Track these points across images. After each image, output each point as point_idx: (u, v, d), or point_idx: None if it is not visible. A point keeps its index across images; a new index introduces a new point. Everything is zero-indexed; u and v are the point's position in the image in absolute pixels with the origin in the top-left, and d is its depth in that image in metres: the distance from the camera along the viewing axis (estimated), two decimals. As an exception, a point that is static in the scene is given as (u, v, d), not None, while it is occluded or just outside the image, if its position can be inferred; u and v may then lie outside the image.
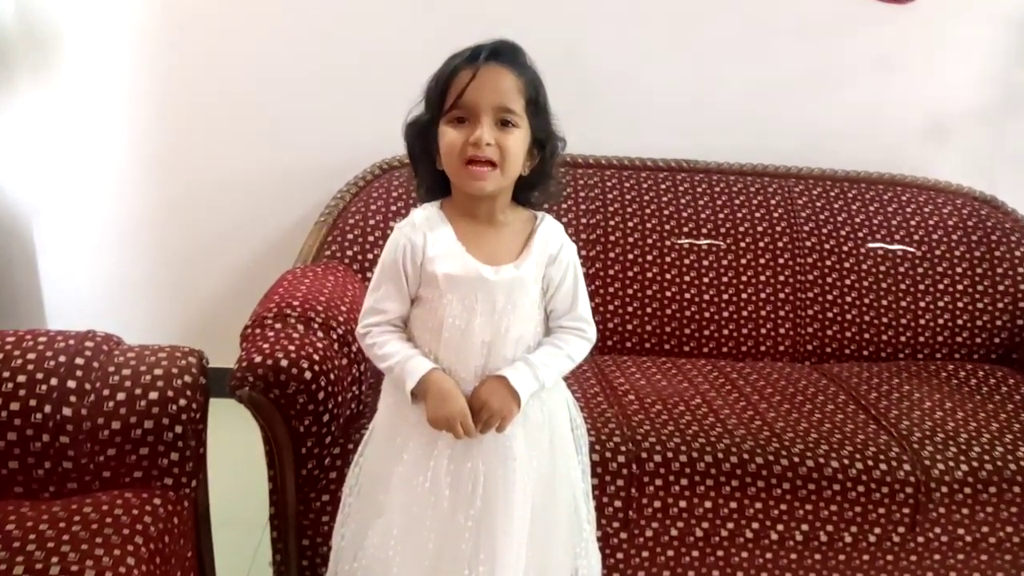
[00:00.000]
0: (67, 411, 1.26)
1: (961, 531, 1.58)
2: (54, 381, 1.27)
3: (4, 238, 2.10)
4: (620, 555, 1.55)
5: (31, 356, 1.29)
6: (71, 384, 1.28)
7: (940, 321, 2.11)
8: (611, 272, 2.05)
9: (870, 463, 1.57)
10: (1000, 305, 2.11)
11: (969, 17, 2.28)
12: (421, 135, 1.18)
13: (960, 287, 2.12)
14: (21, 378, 1.26)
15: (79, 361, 1.31)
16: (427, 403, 1.16)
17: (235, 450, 1.67)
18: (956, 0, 2.26)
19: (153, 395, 1.29)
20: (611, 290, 2.04)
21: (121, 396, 1.28)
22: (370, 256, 1.96)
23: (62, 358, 1.30)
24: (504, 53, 1.15)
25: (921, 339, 2.10)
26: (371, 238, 1.98)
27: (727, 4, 2.24)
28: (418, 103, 1.19)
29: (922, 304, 2.10)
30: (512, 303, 1.18)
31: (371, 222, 1.99)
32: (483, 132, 1.11)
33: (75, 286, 2.27)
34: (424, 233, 1.18)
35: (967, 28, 2.29)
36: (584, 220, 2.08)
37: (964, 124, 2.35)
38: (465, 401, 1.15)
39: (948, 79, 2.32)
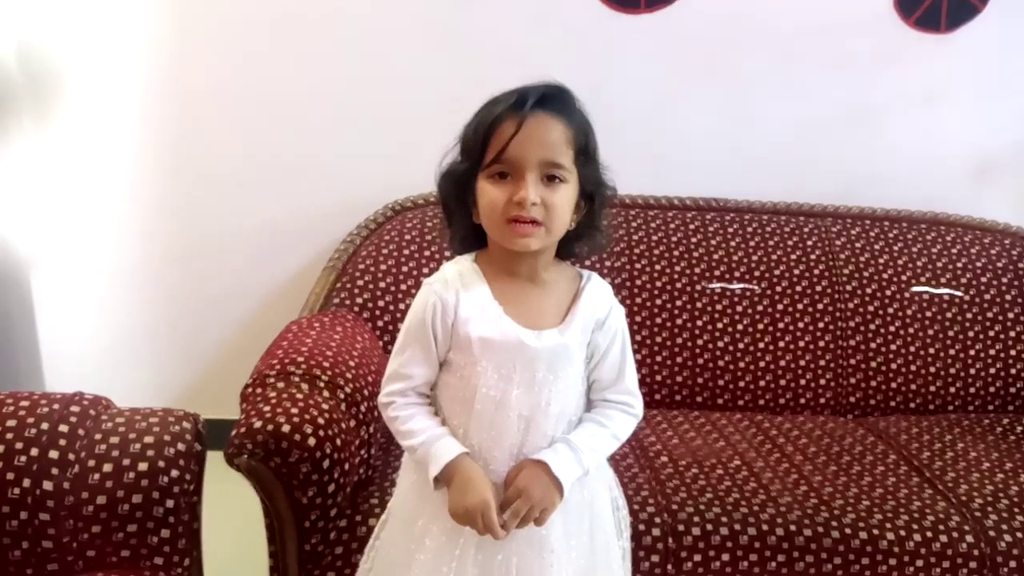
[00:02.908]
0: (48, 485, 1.18)
1: (1033, 611, 1.45)
2: (35, 452, 1.19)
3: (2, 290, 2.03)
4: (654, 638, 1.41)
5: (11, 423, 1.21)
6: (53, 455, 1.20)
7: (992, 371, 1.98)
8: (637, 319, 1.93)
9: (928, 534, 1.45)
10: (1056, 353, 1.99)
11: (1016, 47, 2.18)
12: (458, 186, 1.07)
13: (1013, 333, 2.00)
14: (-2, 448, 1.18)
15: (63, 428, 1.23)
16: (450, 493, 1.04)
17: (235, 507, 1.54)
18: (1002, 29, 2.16)
19: (143, 466, 1.21)
20: (638, 339, 1.92)
21: (108, 467, 1.20)
22: (381, 304, 1.85)
23: (44, 425, 1.22)
24: (553, 99, 1.04)
25: (972, 390, 1.98)
26: (383, 284, 1.87)
27: (760, 37, 2.15)
28: (452, 147, 1.09)
29: (972, 352, 1.98)
30: (554, 373, 1.07)
31: (383, 267, 1.89)
32: (528, 191, 1.00)
33: (74, 338, 2.19)
34: (457, 291, 1.07)
35: (1014, 59, 2.19)
36: (608, 263, 1.97)
37: (1012, 160, 2.24)
38: (491, 492, 1.03)
39: (995, 112, 2.22)
